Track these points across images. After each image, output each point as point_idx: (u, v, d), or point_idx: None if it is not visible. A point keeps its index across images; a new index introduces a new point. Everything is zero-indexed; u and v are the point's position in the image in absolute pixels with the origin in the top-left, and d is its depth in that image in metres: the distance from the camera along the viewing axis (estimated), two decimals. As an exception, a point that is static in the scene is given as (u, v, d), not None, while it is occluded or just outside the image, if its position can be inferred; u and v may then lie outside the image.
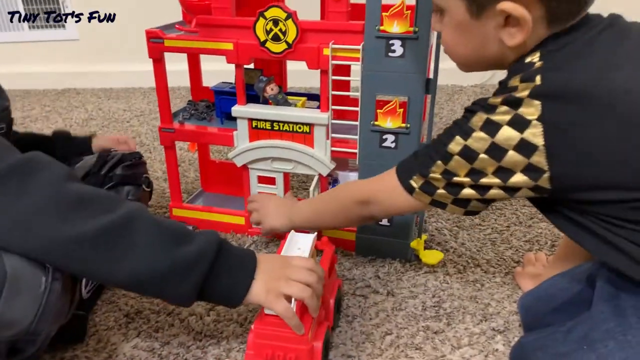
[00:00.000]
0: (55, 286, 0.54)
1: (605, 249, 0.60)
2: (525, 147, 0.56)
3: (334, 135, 0.96)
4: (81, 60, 2.33)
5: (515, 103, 0.56)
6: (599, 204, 0.58)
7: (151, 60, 0.99)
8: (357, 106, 0.92)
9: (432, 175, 0.64)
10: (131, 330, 0.83)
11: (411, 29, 0.82)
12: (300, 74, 1.36)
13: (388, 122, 0.90)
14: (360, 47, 0.87)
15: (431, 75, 0.88)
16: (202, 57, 1.13)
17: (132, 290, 0.66)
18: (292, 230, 0.76)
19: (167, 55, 1.00)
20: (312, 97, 1.11)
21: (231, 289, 0.60)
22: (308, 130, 0.96)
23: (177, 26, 1.04)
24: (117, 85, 2.31)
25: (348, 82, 1.04)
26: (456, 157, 0.61)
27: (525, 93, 0.55)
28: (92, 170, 0.96)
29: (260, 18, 0.89)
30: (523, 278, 0.92)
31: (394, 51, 0.85)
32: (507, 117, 0.56)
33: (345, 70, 1.05)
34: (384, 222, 1.00)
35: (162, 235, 0.56)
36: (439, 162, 0.63)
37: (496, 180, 0.59)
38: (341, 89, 0.97)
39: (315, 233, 0.77)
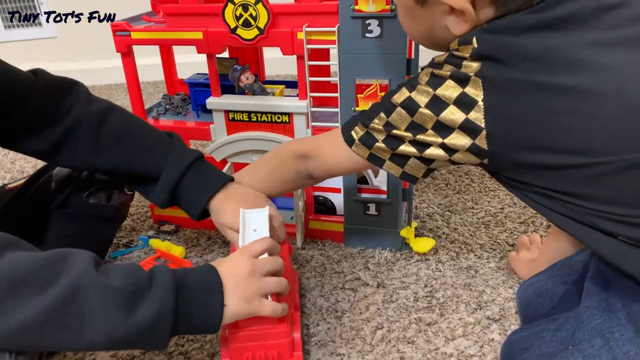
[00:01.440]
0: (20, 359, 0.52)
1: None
2: (464, 102, 0.56)
3: (314, 124, 0.92)
4: (60, 58, 2.26)
5: (457, 63, 0.57)
6: (536, 171, 0.56)
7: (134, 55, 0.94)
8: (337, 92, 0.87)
9: (373, 125, 0.64)
10: (111, 339, 0.79)
11: (388, 7, 0.78)
12: (279, 61, 1.31)
13: (369, 107, 0.86)
14: (335, 29, 0.82)
15: (412, 55, 0.83)
16: (179, 48, 1.08)
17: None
18: (241, 209, 0.71)
19: (151, 48, 0.95)
20: (291, 84, 1.06)
21: (205, 323, 0.58)
22: (287, 120, 0.92)
23: (144, 17, 0.99)
24: (99, 83, 2.25)
25: (329, 67, 1.00)
26: (398, 109, 0.61)
27: (466, 54, 0.56)
28: (72, 174, 0.91)
29: (229, 3, 0.84)
30: (518, 263, 0.89)
31: (371, 31, 0.80)
32: (449, 73, 0.57)
33: (326, 54, 1.00)
34: (373, 211, 0.96)
35: (115, 298, 0.52)
36: (382, 114, 0.63)
37: (434, 139, 0.59)
38: (322, 75, 0.92)
39: (267, 207, 0.73)
